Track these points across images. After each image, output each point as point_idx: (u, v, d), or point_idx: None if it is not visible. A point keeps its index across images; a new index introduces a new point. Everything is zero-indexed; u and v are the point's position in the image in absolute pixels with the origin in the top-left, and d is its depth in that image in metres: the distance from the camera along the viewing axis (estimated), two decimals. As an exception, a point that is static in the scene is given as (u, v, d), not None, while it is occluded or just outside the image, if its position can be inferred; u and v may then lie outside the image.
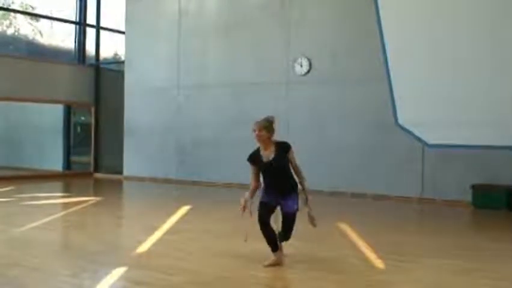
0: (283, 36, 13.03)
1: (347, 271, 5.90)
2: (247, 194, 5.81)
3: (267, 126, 5.80)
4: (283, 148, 5.86)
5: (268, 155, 5.84)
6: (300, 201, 5.92)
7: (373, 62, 11.82)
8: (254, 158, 5.90)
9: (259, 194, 5.98)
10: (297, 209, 5.89)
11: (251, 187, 5.88)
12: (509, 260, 6.55)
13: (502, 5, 10.75)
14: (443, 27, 11.18)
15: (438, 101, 11.19)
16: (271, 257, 6.00)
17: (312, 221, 6.01)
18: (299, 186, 5.95)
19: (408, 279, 5.66)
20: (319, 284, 5.44)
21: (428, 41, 11.31)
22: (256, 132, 5.80)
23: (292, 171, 5.94)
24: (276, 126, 5.89)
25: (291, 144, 5.95)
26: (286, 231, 5.99)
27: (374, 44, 11.77)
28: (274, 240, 5.94)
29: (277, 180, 5.86)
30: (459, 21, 11.03)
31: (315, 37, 12.66)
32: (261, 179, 6.00)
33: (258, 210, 5.86)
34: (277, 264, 5.94)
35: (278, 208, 5.99)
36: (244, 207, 5.74)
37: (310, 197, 5.92)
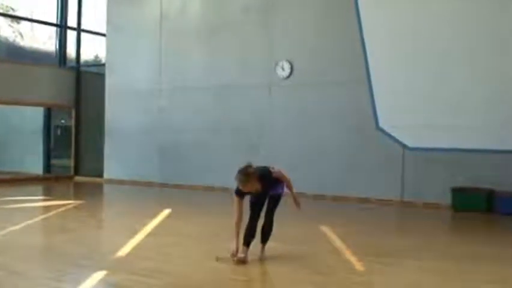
0: (265, 38, 13.03)
1: (328, 273, 5.94)
2: (235, 236, 6.10)
3: (247, 179, 5.98)
4: (266, 180, 6.12)
5: (256, 189, 6.11)
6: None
7: (355, 65, 11.86)
8: (242, 193, 6.13)
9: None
10: (282, 192, 6.29)
11: (236, 220, 6.11)
12: (486, 262, 6.60)
13: (488, 5, 10.78)
14: (424, 29, 11.23)
15: (418, 104, 11.24)
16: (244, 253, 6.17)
17: (296, 202, 6.38)
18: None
19: (388, 280, 5.75)
20: (300, 286, 5.47)
21: (410, 44, 11.35)
22: (242, 188, 6.02)
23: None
24: (251, 169, 6.04)
25: (270, 167, 6.25)
26: (268, 217, 6.32)
27: (355, 46, 11.82)
28: (251, 236, 6.16)
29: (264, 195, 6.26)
30: (441, 23, 11.06)
31: (297, 40, 12.69)
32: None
33: (251, 204, 6.19)
34: (242, 262, 6.08)
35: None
36: (234, 254, 6.09)
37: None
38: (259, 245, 6.43)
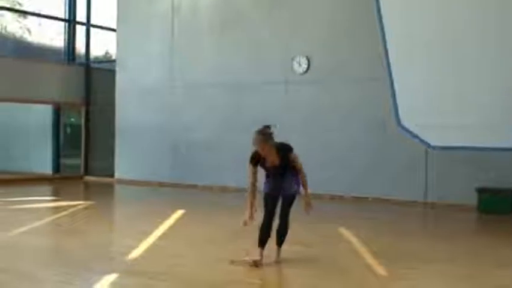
0: (281, 33, 12.73)
1: (347, 278, 5.78)
2: (248, 203, 5.96)
3: (265, 139, 5.85)
4: (284, 152, 5.98)
5: (272, 160, 5.96)
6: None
7: (375, 61, 11.56)
8: (257, 160, 5.98)
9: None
10: (296, 191, 6.10)
11: (250, 187, 5.94)
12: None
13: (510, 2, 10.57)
14: (448, 24, 10.96)
15: (442, 101, 10.98)
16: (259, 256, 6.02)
17: (307, 206, 6.14)
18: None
19: (410, 285, 5.57)
20: None
21: (432, 38, 11.07)
22: (260, 150, 5.87)
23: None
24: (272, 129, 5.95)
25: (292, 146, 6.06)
26: (283, 219, 6.08)
27: (375, 42, 11.53)
28: (265, 236, 6.02)
29: (279, 177, 6.03)
30: (466, 17, 10.82)
31: (314, 34, 12.39)
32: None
33: (264, 200, 6.06)
34: (256, 264, 5.92)
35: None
36: (247, 222, 5.95)
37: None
38: (275, 248, 6.23)
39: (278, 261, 6.18)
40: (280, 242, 6.23)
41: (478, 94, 10.67)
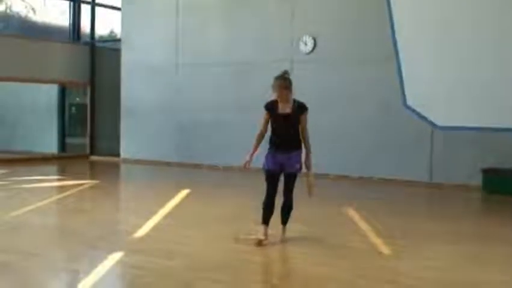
0: (287, 13, 12.58)
1: (352, 256, 5.77)
2: (252, 147, 6.03)
3: (287, 81, 5.97)
4: (300, 108, 5.99)
5: (284, 108, 5.97)
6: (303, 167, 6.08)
7: (381, 40, 11.44)
8: (271, 106, 6.03)
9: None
10: (299, 169, 6.03)
11: (259, 132, 6.08)
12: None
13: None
14: (456, 4, 10.83)
15: (448, 81, 10.88)
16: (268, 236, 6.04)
17: (310, 187, 6.09)
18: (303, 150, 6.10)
19: (415, 264, 5.52)
20: (323, 269, 5.30)
21: (439, 17, 10.94)
22: (278, 94, 5.94)
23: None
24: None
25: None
26: (287, 196, 6.07)
27: (382, 21, 11.40)
28: (268, 212, 6.01)
29: (285, 136, 6.00)
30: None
31: (321, 14, 12.26)
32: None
33: (266, 176, 6.02)
34: (258, 243, 5.93)
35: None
36: (248, 163, 5.97)
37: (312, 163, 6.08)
38: (280, 227, 6.23)
39: (284, 240, 6.18)
40: (285, 220, 6.22)
41: (484, 74, 10.54)
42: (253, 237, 6.04)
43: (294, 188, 6.08)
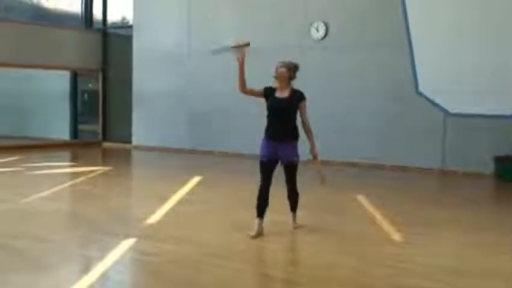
0: (299, -1, 12.50)
1: (364, 244, 5.74)
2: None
3: (291, 68, 5.96)
4: (297, 95, 5.96)
5: (281, 94, 5.95)
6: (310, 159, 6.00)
7: (394, 27, 11.37)
8: (269, 90, 6.03)
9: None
10: (298, 159, 5.92)
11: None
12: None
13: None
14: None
15: (461, 68, 10.79)
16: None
17: (321, 176, 6.03)
18: (306, 141, 5.97)
19: (426, 252, 5.50)
20: (335, 257, 5.29)
21: (452, 4, 10.85)
22: (280, 68, 5.94)
23: (297, 122, 5.97)
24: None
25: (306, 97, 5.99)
26: (290, 186, 6.03)
27: (394, 8, 11.31)
28: (262, 205, 5.89)
29: (280, 123, 5.91)
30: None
31: (332, 0, 12.14)
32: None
33: (260, 166, 5.92)
34: (258, 234, 5.84)
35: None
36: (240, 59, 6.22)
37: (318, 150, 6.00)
38: (290, 214, 6.26)
39: (296, 227, 6.19)
40: (293, 207, 6.20)
41: (497, 61, 10.46)
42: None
43: (296, 179, 6.01)
